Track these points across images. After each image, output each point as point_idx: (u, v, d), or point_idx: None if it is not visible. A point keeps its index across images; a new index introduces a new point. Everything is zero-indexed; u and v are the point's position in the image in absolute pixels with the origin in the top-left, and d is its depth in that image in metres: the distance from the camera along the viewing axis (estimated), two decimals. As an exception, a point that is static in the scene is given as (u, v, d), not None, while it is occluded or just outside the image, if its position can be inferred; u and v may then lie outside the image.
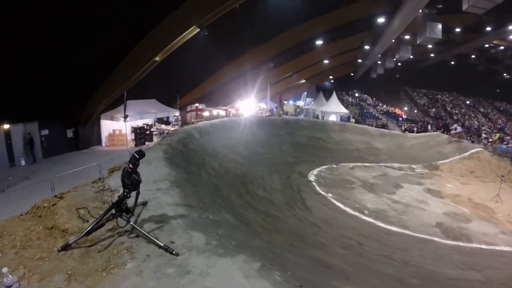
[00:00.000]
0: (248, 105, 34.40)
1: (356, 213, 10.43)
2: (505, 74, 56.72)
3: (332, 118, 36.40)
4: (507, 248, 9.22)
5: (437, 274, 7.09)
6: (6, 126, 17.06)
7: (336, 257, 6.86)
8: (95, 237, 3.85)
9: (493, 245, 9.37)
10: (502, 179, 13.92)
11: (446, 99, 63.06)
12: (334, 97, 39.61)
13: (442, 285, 6.68)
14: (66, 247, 3.60)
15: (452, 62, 54.15)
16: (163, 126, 25.89)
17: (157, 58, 18.28)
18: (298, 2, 19.91)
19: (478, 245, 9.39)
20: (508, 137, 31.02)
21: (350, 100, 56.18)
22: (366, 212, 10.69)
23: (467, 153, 18.61)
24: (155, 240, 3.71)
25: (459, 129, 22.72)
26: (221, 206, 7.12)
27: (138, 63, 18.16)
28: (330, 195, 11.76)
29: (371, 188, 13.22)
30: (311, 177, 13.67)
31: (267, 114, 28.76)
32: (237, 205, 8.38)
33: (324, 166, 15.64)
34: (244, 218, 7.40)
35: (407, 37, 30.83)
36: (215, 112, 31.85)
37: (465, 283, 6.81)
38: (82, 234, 3.70)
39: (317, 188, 12.41)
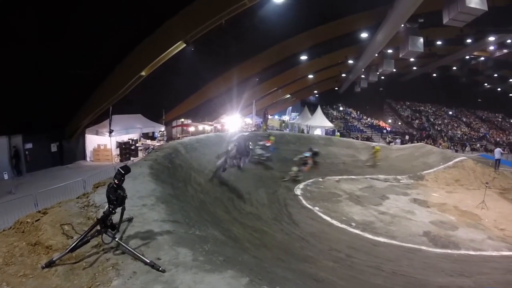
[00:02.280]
0: (234, 120, 34.46)
1: (344, 226, 10.48)
2: (486, 84, 58.71)
3: (317, 132, 36.65)
4: (495, 253, 9.39)
5: (427, 282, 7.16)
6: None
7: (325, 270, 6.88)
8: (80, 253, 3.77)
9: (481, 251, 9.55)
10: (487, 186, 14.19)
11: (429, 110, 64.14)
12: (319, 111, 39.91)
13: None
14: (50, 264, 3.52)
15: (435, 74, 55.67)
16: (149, 141, 25.68)
17: (143, 73, 18.23)
18: (284, 18, 20.12)
19: (466, 252, 9.55)
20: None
21: (335, 114, 56.66)
22: (353, 224, 10.74)
23: (451, 162, 19.02)
24: (141, 256, 3.65)
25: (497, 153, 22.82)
26: (208, 221, 7.07)
27: (124, 78, 18.04)
28: (317, 208, 11.80)
29: (358, 200, 13.33)
30: (298, 191, 13.71)
31: (253, 129, 28.82)
32: (224, 220, 8.34)
33: (310, 180, 15.72)
34: (232, 234, 7.36)
35: (390, 51, 31.57)
36: (200, 127, 31.79)
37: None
38: (67, 251, 3.62)
39: (304, 202, 12.45)
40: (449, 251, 9.48)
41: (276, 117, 49.96)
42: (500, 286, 7.24)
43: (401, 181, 17.31)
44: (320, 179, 16.06)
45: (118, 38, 16.39)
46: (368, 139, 39.20)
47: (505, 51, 37.22)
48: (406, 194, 14.88)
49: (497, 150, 20.50)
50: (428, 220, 11.82)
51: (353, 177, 17.21)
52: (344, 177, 16.99)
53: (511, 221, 12.39)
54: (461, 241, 10.21)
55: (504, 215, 12.86)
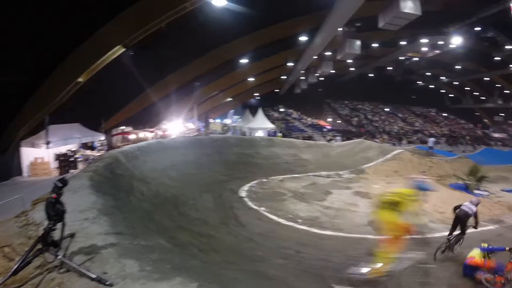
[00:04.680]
0: (176, 125, 34.07)
1: (291, 223, 10.64)
2: (419, 82, 65.26)
3: (259, 134, 37.01)
4: (437, 234, 10.28)
5: None
6: None
7: (275, 267, 7.07)
8: (23, 276, 3.65)
9: (425, 234, 10.31)
10: (423, 174, 15.30)
11: (367, 108, 67.30)
12: (260, 113, 40.33)
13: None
14: (-8, 291, 3.37)
15: (372, 74, 58.92)
16: (88, 152, 24.70)
17: (80, 79, 17.55)
18: (225, 22, 20.22)
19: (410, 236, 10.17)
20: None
21: (276, 115, 57.57)
22: (299, 221, 10.96)
23: (390, 155, 20.15)
24: (87, 272, 3.61)
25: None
26: (153, 230, 7.03)
27: (59, 85, 17.20)
28: (263, 208, 11.91)
29: (302, 197, 13.59)
30: (243, 193, 13.76)
31: (195, 134, 28.62)
32: (170, 228, 8.29)
33: (255, 181, 15.79)
34: (178, 241, 7.35)
35: (328, 53, 32.70)
36: (141, 134, 31.06)
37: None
38: (9, 274, 3.50)
39: (249, 203, 12.51)
40: None
41: (218, 121, 49.90)
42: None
43: (343, 176, 17.89)
44: (265, 180, 16.23)
45: (53, 43, 15.60)
46: (310, 138, 40.26)
47: (436, 51, 40.46)
48: (349, 188, 15.41)
49: (431, 140, 22.54)
50: (371, 211, 12.41)
51: (296, 175, 17.50)
52: (288, 176, 17.27)
53: (449, 204, 13.32)
54: None
55: (442, 199, 13.82)
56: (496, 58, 45.00)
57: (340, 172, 18.43)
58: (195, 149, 17.77)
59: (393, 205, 6.56)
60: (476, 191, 16.58)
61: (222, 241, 8.53)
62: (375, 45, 36.16)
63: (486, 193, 16.60)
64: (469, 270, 7.20)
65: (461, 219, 8.53)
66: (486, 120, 69.93)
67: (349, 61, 39.04)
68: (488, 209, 13.51)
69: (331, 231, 10.24)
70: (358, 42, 24.98)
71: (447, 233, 8.99)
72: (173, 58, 24.20)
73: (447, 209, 12.55)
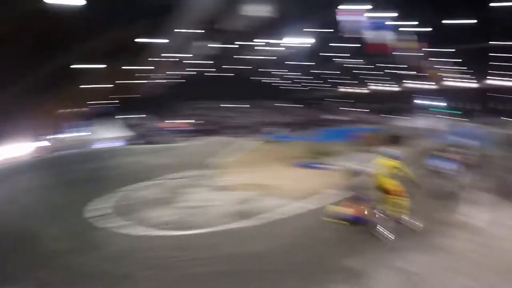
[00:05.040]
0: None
1: (152, 233, 10.44)
2: (271, 79, 67.57)
3: (112, 143, 34.86)
4: (298, 211, 11.43)
5: (247, 254, 8.31)
6: None
7: (145, 280, 7.25)
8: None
9: (286, 214, 11.34)
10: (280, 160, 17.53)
11: (226, 106, 69.01)
12: (113, 122, 39.04)
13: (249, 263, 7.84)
14: None
15: (231, 74, 60.44)
16: None
17: None
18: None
19: (278, 217, 11.17)
20: None
21: (133, 122, 55.13)
22: (162, 227, 10.80)
23: (248, 147, 21.28)
24: None
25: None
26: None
27: None
28: (117, 224, 11.17)
29: (160, 203, 13.22)
30: (90, 213, 12.48)
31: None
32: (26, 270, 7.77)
33: (103, 197, 14.43)
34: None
35: (184, 55, 32.98)
36: None
37: (270, 254, 8.30)
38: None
39: (100, 223, 11.50)
40: (259, 222, 10.77)
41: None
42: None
43: (204, 174, 18.02)
44: (115, 193, 14.94)
45: None
46: (170, 141, 39.44)
47: (290, 50, 44.55)
48: (209, 185, 15.71)
49: (281, 130, 24.95)
50: (233, 202, 12.89)
51: (155, 181, 16.81)
52: (146, 183, 16.41)
53: (300, 181, 15.01)
54: (267, 209, 11.78)
55: (294, 179, 15.30)
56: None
57: (198, 171, 18.41)
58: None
59: (390, 172, 8.82)
60: (320, 165, 18.98)
61: (78, 271, 7.84)
62: (230, 46, 37.67)
63: (329, 166, 19.09)
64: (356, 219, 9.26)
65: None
66: (321, 105, 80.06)
67: (206, 61, 39.81)
68: (334, 178, 15.50)
69: (196, 230, 10.43)
70: (209, 44, 25.62)
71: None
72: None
73: (303, 186, 14.19)
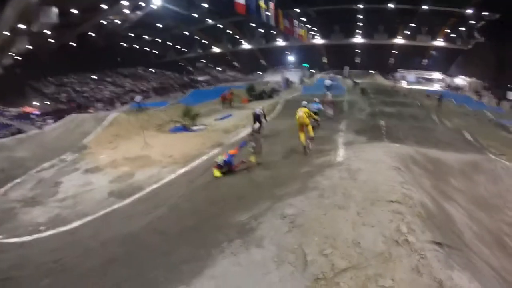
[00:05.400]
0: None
1: (32, 236, 9.21)
2: (124, 44, 69.68)
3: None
4: (172, 176, 12.08)
5: (135, 233, 8.08)
6: None
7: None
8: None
9: (163, 179, 11.88)
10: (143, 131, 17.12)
11: (74, 81, 62.28)
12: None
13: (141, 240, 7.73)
14: None
15: (74, 44, 56.30)
16: None
17: None
18: None
19: (155, 186, 11.48)
20: None
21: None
22: (42, 228, 9.68)
23: (106, 122, 20.03)
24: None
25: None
26: None
27: None
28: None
29: (34, 202, 11.78)
30: None
31: None
32: None
33: None
34: None
35: (22, 26, 28.78)
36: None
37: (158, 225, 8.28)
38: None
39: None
40: (137, 195, 10.81)
41: None
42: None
43: (66, 160, 16.42)
44: None
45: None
46: (18, 132, 34.56)
47: (138, 12, 41.91)
48: (77, 170, 14.60)
49: (137, 97, 24.65)
50: (107, 182, 12.51)
51: (17, 180, 14.16)
52: (9, 185, 14.13)
53: (173, 147, 15.51)
54: (143, 182, 11.90)
55: (167, 145, 15.69)
56: (193, 15, 57.82)
57: (63, 157, 16.77)
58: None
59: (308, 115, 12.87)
60: (193, 127, 19.11)
61: None
62: (75, 11, 33.59)
63: (202, 126, 19.54)
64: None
65: (256, 117, 16.16)
66: (190, 68, 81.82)
67: (47, 32, 34.99)
68: (209, 138, 15.99)
69: (78, 220, 9.71)
70: (55, 10, 22.64)
71: (181, 171, 12.29)
72: None
73: (174, 151, 14.70)
